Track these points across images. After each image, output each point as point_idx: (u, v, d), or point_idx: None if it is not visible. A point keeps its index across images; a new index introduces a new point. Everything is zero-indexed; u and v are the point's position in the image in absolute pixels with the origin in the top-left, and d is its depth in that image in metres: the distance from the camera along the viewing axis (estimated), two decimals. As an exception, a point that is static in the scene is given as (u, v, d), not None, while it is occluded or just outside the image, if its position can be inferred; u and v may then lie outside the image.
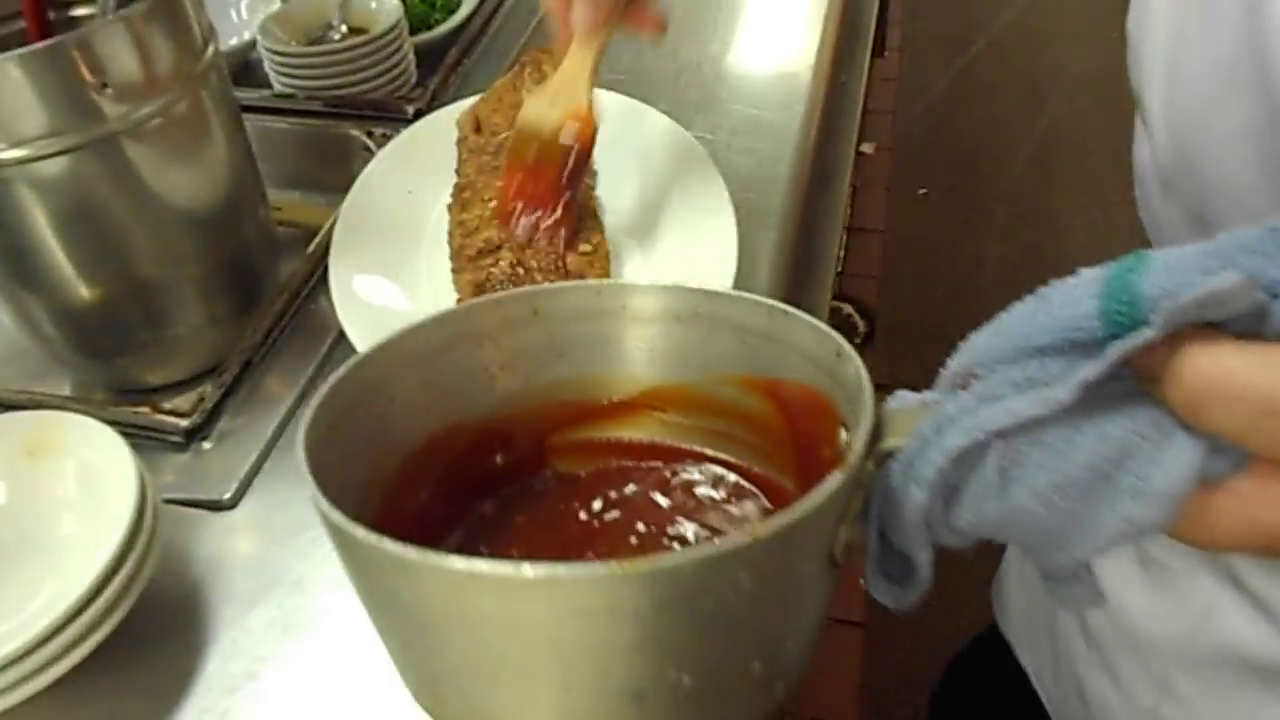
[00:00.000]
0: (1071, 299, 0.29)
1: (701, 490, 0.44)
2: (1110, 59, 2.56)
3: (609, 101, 0.75)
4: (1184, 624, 0.57)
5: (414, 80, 0.91)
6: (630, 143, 0.72)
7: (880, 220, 2.21)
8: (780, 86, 0.84)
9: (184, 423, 0.60)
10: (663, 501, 0.44)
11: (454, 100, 0.85)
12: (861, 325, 1.98)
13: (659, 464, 0.45)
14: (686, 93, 0.84)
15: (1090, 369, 0.28)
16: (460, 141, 0.77)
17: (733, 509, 0.44)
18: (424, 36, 0.95)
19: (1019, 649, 0.78)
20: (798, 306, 0.41)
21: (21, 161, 0.55)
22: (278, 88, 0.89)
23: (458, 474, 0.42)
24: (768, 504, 0.43)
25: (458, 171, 0.75)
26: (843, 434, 0.37)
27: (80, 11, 0.70)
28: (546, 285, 0.44)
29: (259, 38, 0.87)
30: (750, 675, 0.33)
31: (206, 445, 0.60)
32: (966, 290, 2.03)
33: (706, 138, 0.77)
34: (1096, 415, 0.29)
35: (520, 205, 0.63)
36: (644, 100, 0.76)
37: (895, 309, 2.00)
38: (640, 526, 0.43)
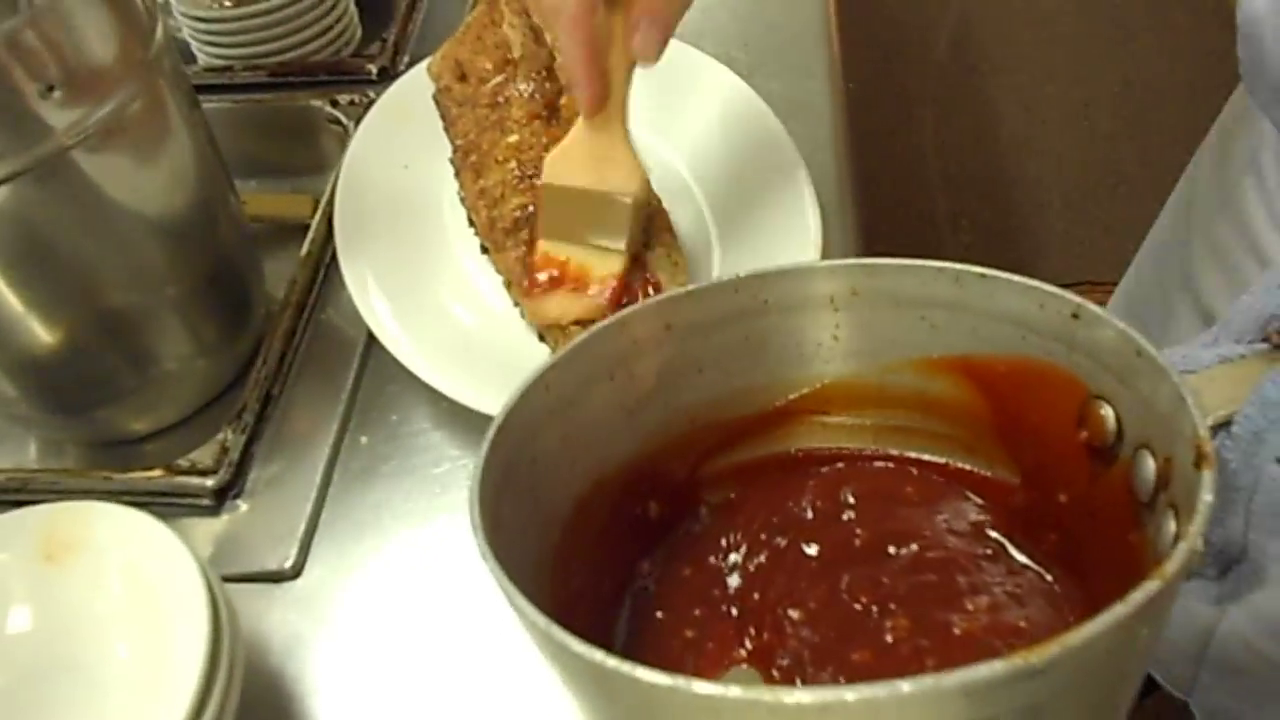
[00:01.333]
0: None
1: (887, 497, 0.37)
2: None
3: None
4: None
5: (359, 29, 0.80)
6: (668, 86, 0.63)
7: (814, 122, 2.13)
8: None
9: (209, 481, 0.50)
10: (844, 516, 0.37)
11: (419, 52, 0.74)
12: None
13: (827, 474, 0.38)
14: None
15: None
16: (442, 93, 0.66)
17: (935, 513, 0.37)
18: (358, -23, 0.83)
19: None
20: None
21: (-50, 198, 0.44)
22: (203, 60, 0.76)
23: (613, 537, 0.36)
24: (978, 500, 0.37)
25: (448, 131, 0.65)
26: (1104, 408, 0.31)
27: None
28: (675, 292, 0.37)
29: (174, 2, 0.74)
30: None
31: (242, 505, 0.50)
32: (915, 183, 1.99)
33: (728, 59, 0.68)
34: None
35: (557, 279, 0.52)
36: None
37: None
38: (815, 552, 0.36)
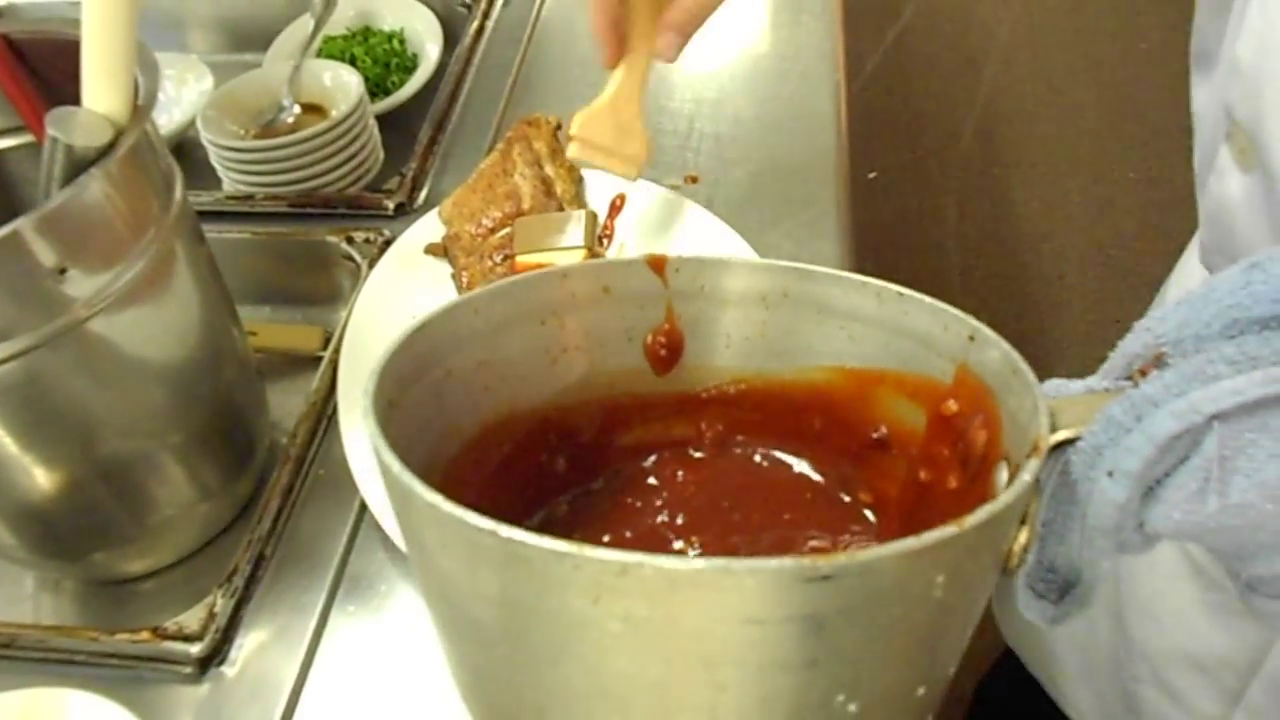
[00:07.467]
0: None
1: (785, 494, 0.39)
2: (1036, 19, 2.51)
3: (644, 193, 0.67)
4: (1254, 642, 0.55)
5: (380, 157, 0.81)
6: (667, 239, 0.64)
7: (835, 210, 2.14)
8: (803, 138, 0.77)
9: (194, 649, 0.50)
10: (743, 504, 0.39)
11: (438, 188, 0.76)
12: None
13: (736, 463, 0.40)
14: (701, 161, 0.75)
15: None
16: (451, 240, 0.68)
17: (828, 519, 0.38)
18: (383, 104, 0.85)
19: (1034, 664, 0.75)
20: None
21: (-39, 373, 0.45)
22: (228, 185, 0.78)
23: (510, 474, 0.37)
24: (869, 515, 0.38)
25: (455, 279, 0.66)
26: (979, 426, 0.33)
27: (3, 144, 0.58)
28: (622, 258, 0.38)
29: (201, 130, 0.76)
30: (912, 702, 0.29)
31: (226, 672, 0.51)
32: (932, 276, 1.99)
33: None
34: None
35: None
36: (654, 176, 0.68)
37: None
38: (714, 535, 0.38)
